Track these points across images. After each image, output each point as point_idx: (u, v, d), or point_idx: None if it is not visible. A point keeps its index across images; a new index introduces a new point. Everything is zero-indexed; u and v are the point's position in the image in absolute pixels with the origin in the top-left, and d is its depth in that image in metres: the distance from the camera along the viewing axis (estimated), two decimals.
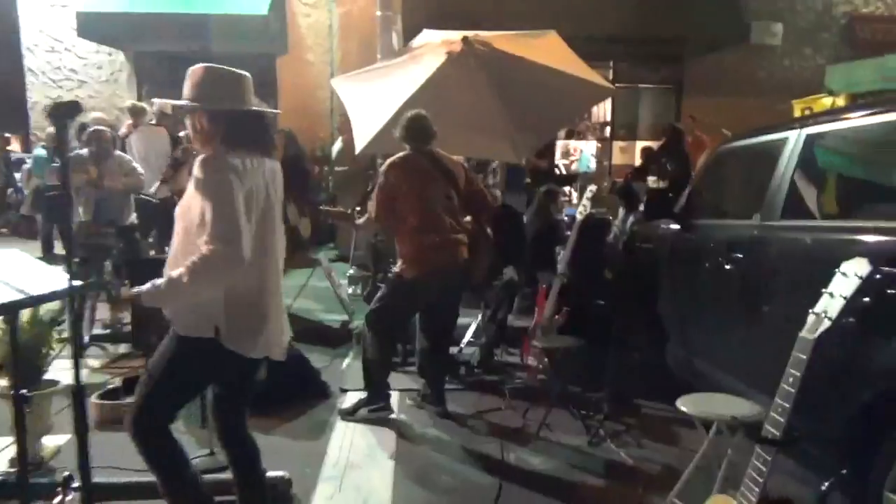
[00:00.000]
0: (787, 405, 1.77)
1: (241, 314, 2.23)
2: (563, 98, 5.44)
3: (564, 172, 10.81)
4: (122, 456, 2.77)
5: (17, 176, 11.13)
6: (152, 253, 6.36)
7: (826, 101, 7.48)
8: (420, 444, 3.69)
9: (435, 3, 8.67)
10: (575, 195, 9.65)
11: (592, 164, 11.70)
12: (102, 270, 5.37)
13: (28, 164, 10.28)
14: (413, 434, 3.79)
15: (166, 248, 3.34)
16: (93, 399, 3.83)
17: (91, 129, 5.68)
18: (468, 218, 4.03)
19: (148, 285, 2.18)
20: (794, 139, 3.20)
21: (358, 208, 4.60)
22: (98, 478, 2.88)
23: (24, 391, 2.34)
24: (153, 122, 7.30)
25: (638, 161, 10.51)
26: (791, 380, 1.78)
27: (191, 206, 2.18)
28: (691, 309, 3.90)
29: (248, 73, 2.35)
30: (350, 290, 6.78)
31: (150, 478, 2.34)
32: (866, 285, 1.72)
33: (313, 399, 4.21)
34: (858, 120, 2.91)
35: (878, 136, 2.87)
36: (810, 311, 1.80)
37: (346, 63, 10.39)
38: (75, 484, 2.44)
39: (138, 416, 2.27)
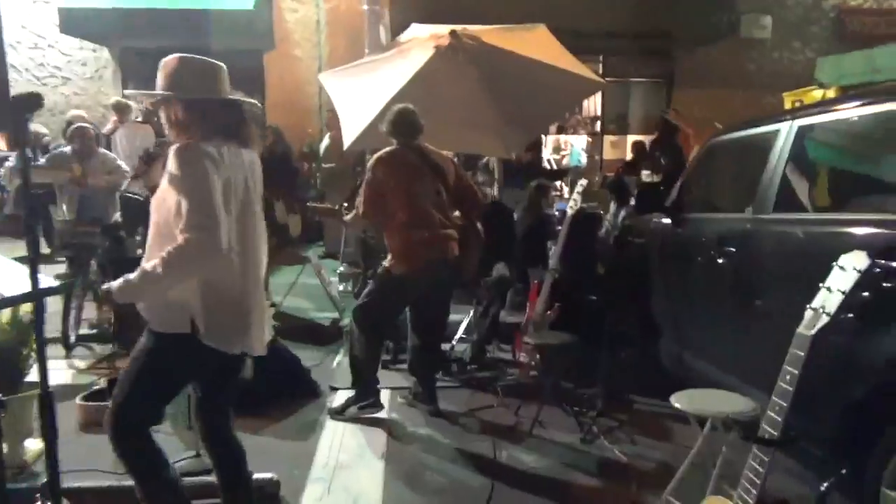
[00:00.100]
0: (785, 404, 1.72)
1: (220, 310, 2.17)
2: (553, 92, 5.40)
3: (555, 167, 10.78)
4: (107, 459, 2.71)
5: (0, 172, 10.96)
6: (139, 252, 6.27)
7: (816, 94, 7.47)
8: (411, 443, 3.64)
9: None
10: (566, 190, 9.63)
11: (583, 159, 11.69)
12: (88, 269, 5.29)
13: (11, 163, 10.12)
14: (404, 433, 3.74)
15: None
16: (77, 401, 3.77)
17: (74, 126, 5.60)
18: (457, 213, 3.98)
19: (120, 280, 2.11)
20: (786, 131, 3.17)
21: (346, 204, 4.54)
22: (79, 481, 2.84)
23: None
24: (139, 118, 7.21)
25: (629, 155, 10.49)
26: (788, 378, 1.73)
27: (165, 199, 2.13)
28: (684, 304, 3.87)
29: (223, 64, 2.30)
30: (341, 288, 6.71)
31: (129, 482, 2.29)
32: (865, 279, 1.67)
33: (303, 398, 4.16)
34: (852, 110, 2.89)
35: (872, 126, 2.83)
36: (808, 306, 1.75)
37: (333, 58, 10.29)
38: None
39: (116, 416, 2.21)
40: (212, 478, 2.54)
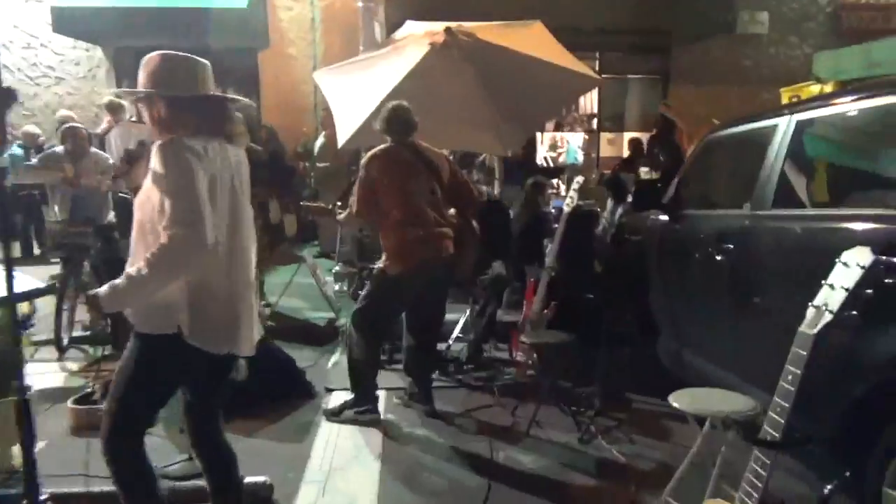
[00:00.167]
0: (787, 405, 1.67)
1: (207, 310, 2.12)
2: (549, 89, 5.37)
3: (551, 164, 10.74)
4: (99, 463, 2.65)
5: None
6: None
7: (814, 89, 7.46)
8: (407, 444, 3.60)
9: None
10: (563, 187, 9.59)
11: (580, 156, 11.64)
12: (81, 270, 5.24)
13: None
14: (400, 434, 3.70)
15: None
16: (68, 404, 3.72)
17: (67, 126, 5.55)
18: (452, 211, 3.94)
19: (106, 287, 2.06)
20: (784, 126, 3.13)
21: (339, 203, 4.50)
22: (67, 487, 2.80)
23: None
24: (133, 118, 7.14)
25: (626, 152, 10.45)
26: (790, 377, 1.68)
27: (150, 197, 2.08)
28: (682, 301, 3.83)
29: (206, 61, 2.26)
30: (336, 287, 6.66)
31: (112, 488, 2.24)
32: (869, 275, 1.62)
33: (297, 399, 4.11)
34: (850, 105, 2.85)
35: (871, 120, 2.80)
36: (810, 304, 1.70)
37: (328, 56, 10.23)
38: (43, 496, 2.33)
39: (112, 425, 2.16)
40: (204, 481, 2.51)
